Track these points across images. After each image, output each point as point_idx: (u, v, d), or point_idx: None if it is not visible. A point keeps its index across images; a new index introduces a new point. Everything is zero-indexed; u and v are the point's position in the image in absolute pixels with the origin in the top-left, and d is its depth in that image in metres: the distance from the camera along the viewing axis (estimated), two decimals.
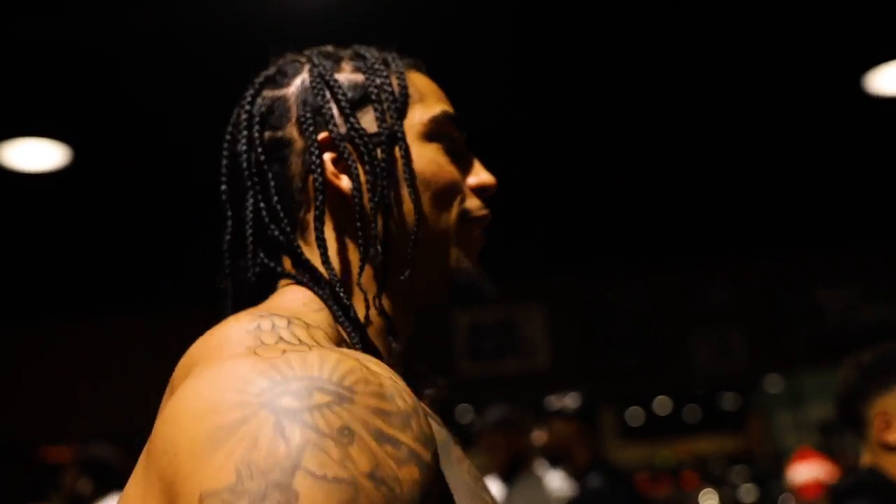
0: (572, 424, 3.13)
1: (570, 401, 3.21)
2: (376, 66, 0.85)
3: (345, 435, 0.54)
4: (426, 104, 0.85)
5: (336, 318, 0.76)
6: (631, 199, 4.59)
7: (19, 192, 4.00)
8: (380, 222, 0.79)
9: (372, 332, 0.79)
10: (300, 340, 0.65)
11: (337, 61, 0.86)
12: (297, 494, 0.51)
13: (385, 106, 0.82)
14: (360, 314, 0.78)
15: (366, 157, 0.80)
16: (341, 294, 0.77)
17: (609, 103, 3.59)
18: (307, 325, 0.69)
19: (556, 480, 3.40)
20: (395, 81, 0.85)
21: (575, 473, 3.08)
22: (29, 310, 5.46)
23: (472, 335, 5.30)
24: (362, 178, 0.80)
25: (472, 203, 0.86)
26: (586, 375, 5.27)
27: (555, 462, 3.25)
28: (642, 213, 4.77)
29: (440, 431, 0.76)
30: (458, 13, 2.92)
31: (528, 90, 3.46)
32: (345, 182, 0.80)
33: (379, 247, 0.79)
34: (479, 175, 0.88)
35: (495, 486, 3.40)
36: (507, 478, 3.44)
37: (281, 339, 0.65)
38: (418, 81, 0.87)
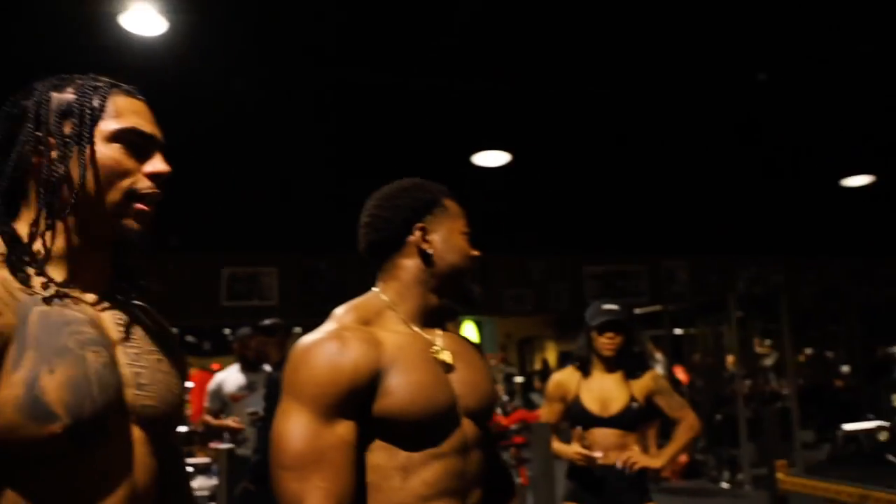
0: None
1: None
2: (86, 90, 1.22)
3: None
4: (120, 119, 1.22)
5: (9, 256, 1.13)
6: None
7: None
8: (61, 191, 1.17)
9: (55, 259, 1.17)
10: None
11: (63, 85, 1.23)
12: None
13: (83, 117, 1.20)
14: (40, 249, 1.16)
15: (59, 149, 1.19)
16: (13, 238, 1.15)
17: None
18: None
19: None
20: (96, 102, 1.22)
21: None
22: None
23: None
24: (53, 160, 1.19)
25: (143, 184, 1.21)
26: None
27: None
28: None
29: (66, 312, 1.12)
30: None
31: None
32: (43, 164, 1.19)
33: (42, 206, 1.16)
34: (154, 165, 1.23)
35: None
36: None
37: None
38: (122, 104, 1.24)
